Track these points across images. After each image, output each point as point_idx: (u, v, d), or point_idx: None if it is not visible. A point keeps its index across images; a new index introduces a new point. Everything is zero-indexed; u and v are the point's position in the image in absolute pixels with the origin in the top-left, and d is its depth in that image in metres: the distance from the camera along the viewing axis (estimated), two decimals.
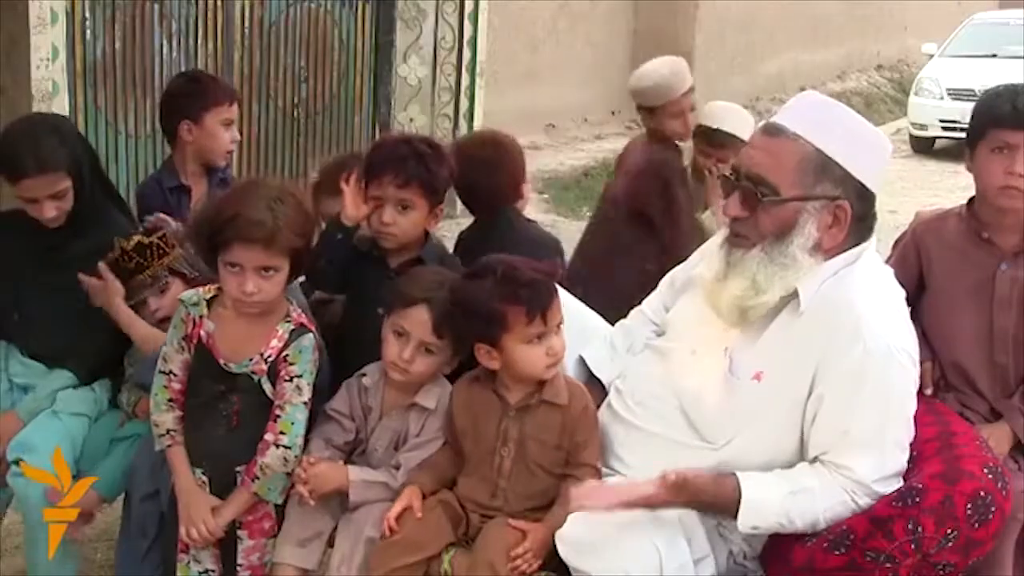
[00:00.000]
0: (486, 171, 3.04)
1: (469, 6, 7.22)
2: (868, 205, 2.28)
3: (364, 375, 2.56)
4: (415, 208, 2.64)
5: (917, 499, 2.09)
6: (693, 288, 2.44)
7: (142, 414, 2.83)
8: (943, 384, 2.70)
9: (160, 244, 2.78)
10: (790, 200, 2.21)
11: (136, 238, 2.81)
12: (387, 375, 2.52)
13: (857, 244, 2.28)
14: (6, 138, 2.80)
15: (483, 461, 2.42)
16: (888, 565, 2.09)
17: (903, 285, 2.75)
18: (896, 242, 2.88)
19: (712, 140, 3.76)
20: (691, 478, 2.17)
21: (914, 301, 2.75)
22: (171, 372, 2.54)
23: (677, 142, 3.84)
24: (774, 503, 2.16)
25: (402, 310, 2.46)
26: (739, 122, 3.77)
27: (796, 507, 2.15)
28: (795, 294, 2.23)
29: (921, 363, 2.57)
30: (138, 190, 3.56)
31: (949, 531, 2.07)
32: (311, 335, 2.51)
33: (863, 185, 2.24)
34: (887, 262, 2.83)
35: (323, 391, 2.59)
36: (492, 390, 2.42)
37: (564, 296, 2.62)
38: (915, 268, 2.77)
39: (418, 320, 2.44)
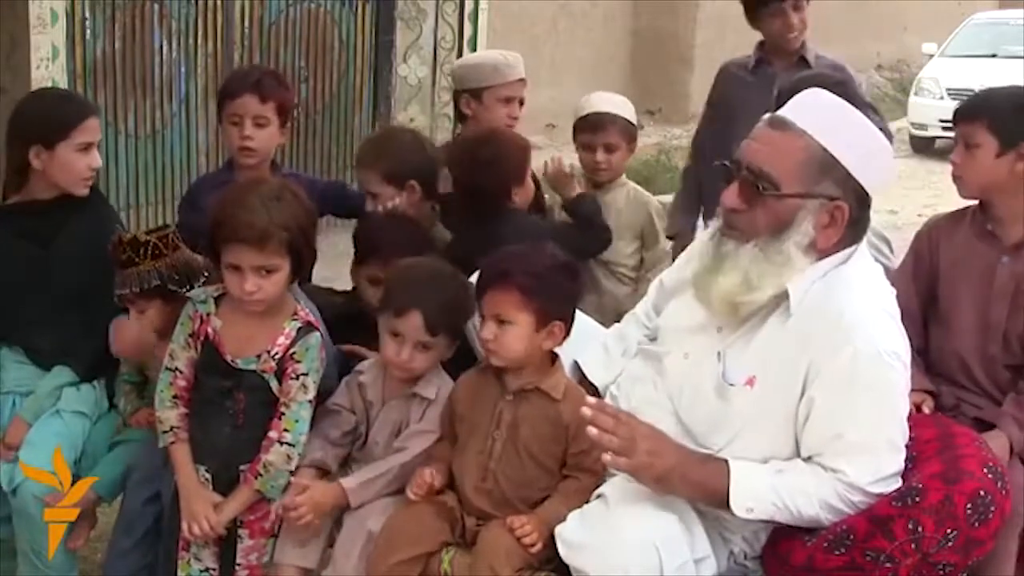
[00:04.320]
0: (487, 171, 3.01)
1: (469, 6, 7.22)
2: (864, 209, 2.25)
3: (361, 372, 2.58)
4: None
5: (917, 499, 2.09)
6: (684, 291, 2.41)
7: (136, 425, 2.84)
8: (941, 377, 2.72)
9: (157, 244, 2.67)
10: (790, 196, 2.18)
11: (134, 233, 2.73)
12: (385, 369, 2.54)
13: (849, 246, 2.26)
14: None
15: (477, 443, 2.44)
16: (888, 565, 2.09)
17: (916, 280, 2.78)
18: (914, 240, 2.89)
19: (586, 124, 3.45)
20: (678, 464, 2.16)
21: (928, 296, 2.78)
22: (177, 369, 2.54)
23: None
24: (765, 481, 2.15)
25: (395, 317, 2.47)
26: (607, 101, 3.48)
27: (787, 488, 2.14)
28: (785, 294, 2.21)
29: (921, 395, 2.60)
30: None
31: (949, 531, 2.07)
32: (317, 334, 2.53)
33: (863, 189, 2.21)
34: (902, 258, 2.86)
35: (331, 390, 2.60)
36: (495, 376, 2.44)
37: None
38: (927, 263, 2.80)
39: (412, 325, 2.46)
